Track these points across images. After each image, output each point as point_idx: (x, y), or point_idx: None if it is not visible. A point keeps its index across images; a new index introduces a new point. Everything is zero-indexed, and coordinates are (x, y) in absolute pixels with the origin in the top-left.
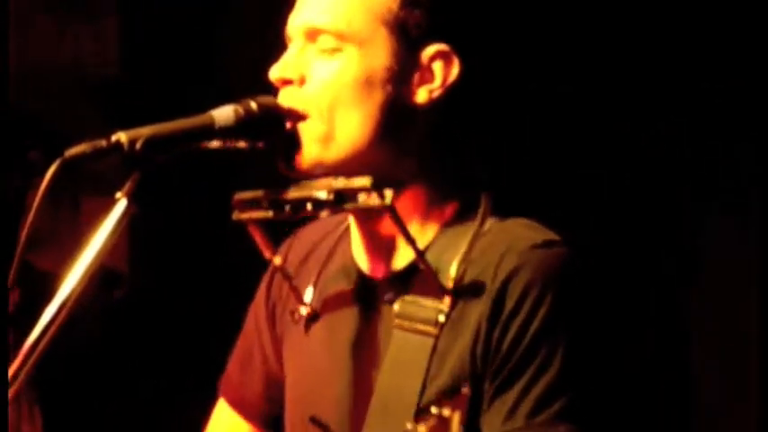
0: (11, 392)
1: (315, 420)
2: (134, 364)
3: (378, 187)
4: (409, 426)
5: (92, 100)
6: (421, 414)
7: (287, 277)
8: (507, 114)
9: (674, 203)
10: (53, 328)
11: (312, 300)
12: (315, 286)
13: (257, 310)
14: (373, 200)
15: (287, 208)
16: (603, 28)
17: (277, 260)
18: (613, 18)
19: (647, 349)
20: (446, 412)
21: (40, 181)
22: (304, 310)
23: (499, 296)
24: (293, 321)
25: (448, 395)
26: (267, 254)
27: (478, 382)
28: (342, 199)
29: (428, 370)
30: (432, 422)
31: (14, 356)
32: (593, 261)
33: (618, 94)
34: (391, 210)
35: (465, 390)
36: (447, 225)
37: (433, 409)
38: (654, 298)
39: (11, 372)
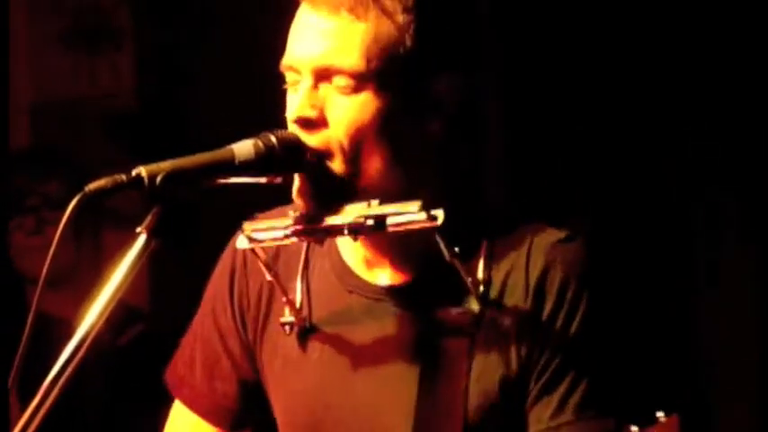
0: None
1: None
2: (150, 400)
3: (426, 208)
4: None
5: (108, 132)
6: None
7: (284, 291)
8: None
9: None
10: (72, 365)
11: (303, 312)
12: (303, 298)
13: (219, 314)
14: (421, 221)
15: (318, 234)
16: (614, 29)
17: (270, 277)
18: (621, 21)
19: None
20: None
21: (59, 215)
22: (293, 320)
23: (536, 298)
24: (284, 334)
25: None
26: (268, 275)
27: (524, 382)
28: (382, 223)
29: (468, 373)
30: None
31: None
32: (602, 249)
33: (629, 98)
34: (439, 229)
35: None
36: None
37: None
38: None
39: (29, 412)
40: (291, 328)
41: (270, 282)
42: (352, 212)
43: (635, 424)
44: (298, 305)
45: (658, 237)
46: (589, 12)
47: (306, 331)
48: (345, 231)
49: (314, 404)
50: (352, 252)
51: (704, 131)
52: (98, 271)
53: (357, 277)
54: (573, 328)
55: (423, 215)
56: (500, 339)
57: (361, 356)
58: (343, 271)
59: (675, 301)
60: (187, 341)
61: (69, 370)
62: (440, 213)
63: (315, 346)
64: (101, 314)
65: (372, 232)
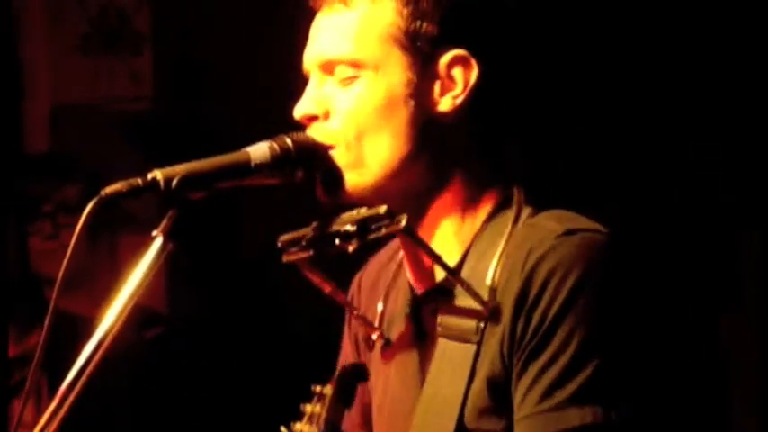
0: None
1: None
2: (171, 403)
3: (393, 213)
4: None
5: (127, 136)
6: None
7: (350, 309)
8: (540, 110)
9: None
10: (90, 368)
11: (382, 324)
12: (383, 310)
13: (345, 338)
14: (387, 224)
15: (324, 244)
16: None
17: (328, 289)
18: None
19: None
20: None
21: (75, 219)
22: (375, 336)
23: (523, 290)
24: (368, 348)
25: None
26: (326, 288)
27: (509, 378)
28: (365, 229)
29: (471, 377)
30: None
31: (49, 399)
32: (629, 248)
33: (630, 99)
34: (408, 233)
35: None
36: (486, 223)
37: None
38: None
39: (47, 413)
40: (373, 344)
41: (371, 299)
42: (343, 221)
43: None
44: (377, 320)
45: (658, 237)
46: (590, 12)
47: (386, 346)
48: (337, 241)
49: (386, 420)
50: (406, 263)
51: (705, 131)
52: (113, 274)
53: (411, 286)
54: (550, 316)
55: (386, 220)
56: (494, 339)
57: (410, 366)
58: (406, 282)
59: (675, 300)
60: None
61: (88, 371)
62: (403, 218)
63: (389, 359)
64: (118, 318)
65: (358, 239)
